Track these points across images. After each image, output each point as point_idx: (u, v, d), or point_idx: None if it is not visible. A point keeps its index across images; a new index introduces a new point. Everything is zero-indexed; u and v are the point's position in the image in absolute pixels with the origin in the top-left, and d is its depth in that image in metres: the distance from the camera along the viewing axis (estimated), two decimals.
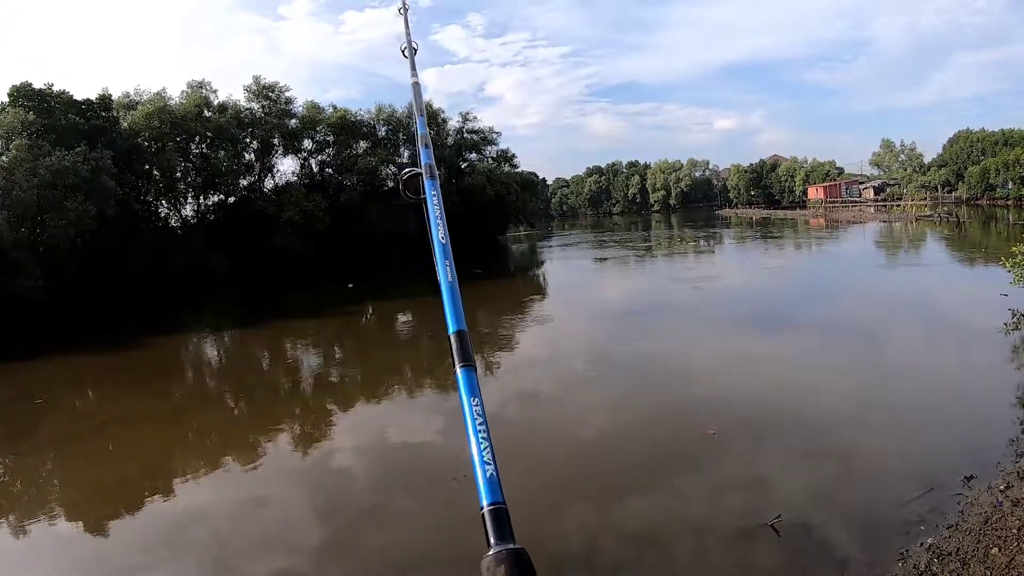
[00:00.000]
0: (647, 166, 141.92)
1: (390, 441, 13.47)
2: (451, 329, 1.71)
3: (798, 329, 19.61)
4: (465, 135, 65.71)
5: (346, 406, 16.30)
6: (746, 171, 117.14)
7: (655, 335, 20.60)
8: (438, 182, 2.31)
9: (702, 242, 55.11)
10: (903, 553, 7.46)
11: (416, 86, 3.21)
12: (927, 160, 75.12)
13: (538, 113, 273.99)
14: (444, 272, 1.90)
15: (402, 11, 4.29)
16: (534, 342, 21.57)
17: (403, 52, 3.59)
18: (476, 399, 1.49)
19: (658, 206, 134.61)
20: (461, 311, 1.78)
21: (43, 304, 28.08)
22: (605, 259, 51.06)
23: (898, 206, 67.90)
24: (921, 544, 7.56)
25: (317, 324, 28.98)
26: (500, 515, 1.28)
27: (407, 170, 2.45)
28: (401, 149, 60.55)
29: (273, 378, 20.18)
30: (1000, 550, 7.02)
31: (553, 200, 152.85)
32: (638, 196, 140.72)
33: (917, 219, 56.25)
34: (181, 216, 47.26)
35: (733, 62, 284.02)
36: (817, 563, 7.66)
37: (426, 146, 2.49)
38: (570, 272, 46.41)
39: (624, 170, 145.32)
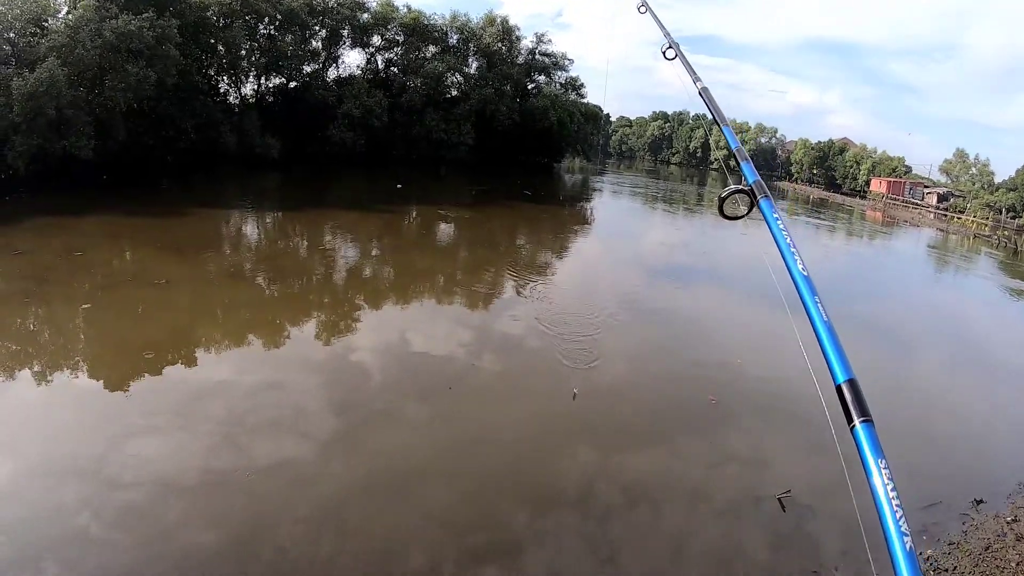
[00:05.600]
0: (714, 122, 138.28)
1: (412, 346, 13.59)
2: (839, 379, 1.45)
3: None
4: (537, 56, 63.96)
5: (375, 304, 16.45)
6: (813, 148, 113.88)
7: (685, 298, 20.41)
8: (772, 199, 2.10)
9: (755, 210, 54.15)
10: None
11: (706, 91, 3.07)
12: (997, 180, 72.58)
13: (612, 49, 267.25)
14: (816, 311, 1.60)
15: (643, 9, 4.09)
16: (568, 277, 21.40)
17: (664, 54, 3.47)
18: (883, 460, 1.32)
19: (717, 164, 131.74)
20: (845, 356, 1.50)
21: (93, 164, 28.33)
22: (655, 206, 50.45)
23: (958, 218, 66.04)
24: (920, 554, 7.53)
25: (359, 218, 29.04)
26: None
27: (729, 188, 2.26)
28: (470, 60, 59.36)
29: (308, 264, 20.31)
30: None
31: (613, 138, 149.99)
32: (699, 150, 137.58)
33: (975, 236, 54.69)
34: (240, 94, 46.77)
35: (821, 37, 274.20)
36: (815, 546, 7.68)
37: (746, 160, 2.35)
38: (618, 212, 45.79)
39: (690, 121, 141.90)
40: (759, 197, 2.13)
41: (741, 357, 14.24)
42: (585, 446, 9.74)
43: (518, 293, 17.93)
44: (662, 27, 3.65)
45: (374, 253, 23.30)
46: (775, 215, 1.99)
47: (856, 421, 1.38)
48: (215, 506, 7.55)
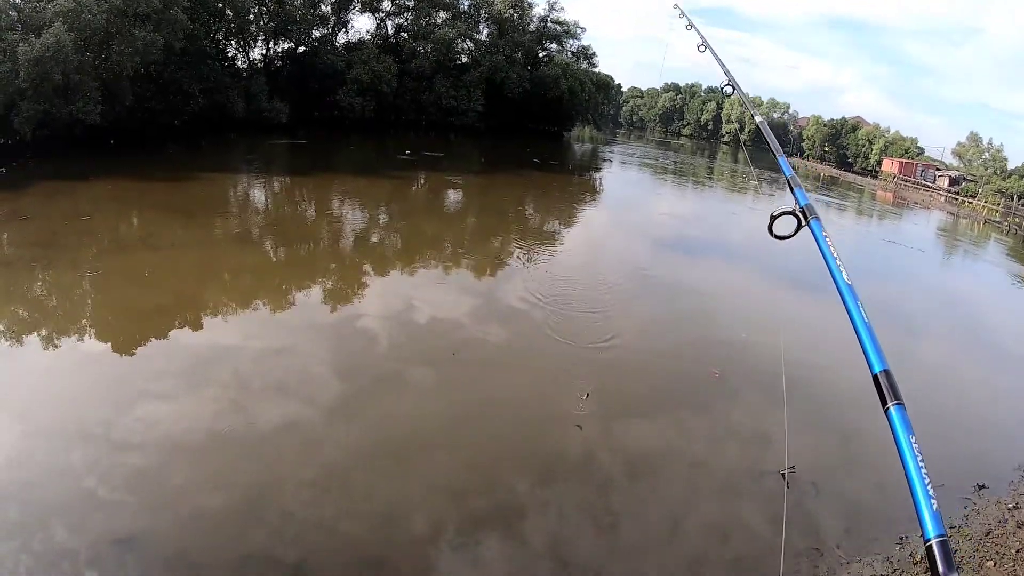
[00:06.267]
0: (726, 95, 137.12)
1: (418, 312, 13.60)
2: (876, 369, 1.70)
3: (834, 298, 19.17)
4: (549, 24, 63.20)
5: (381, 270, 16.44)
6: (825, 125, 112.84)
7: (690, 270, 20.33)
8: (821, 222, 2.30)
9: (764, 185, 53.86)
10: (902, 539, 7.51)
11: (764, 124, 3.33)
12: (1011, 166, 71.89)
13: (625, 18, 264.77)
14: (858, 313, 1.87)
15: (702, 48, 4.55)
16: (574, 246, 21.30)
17: (722, 91, 3.92)
18: (913, 436, 1.53)
19: (728, 138, 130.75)
20: (881, 350, 1.76)
21: (100, 129, 28.25)
22: (664, 177, 50.18)
23: (969, 203, 65.58)
24: (921, 535, 7.58)
25: (367, 184, 28.97)
26: (946, 547, 1.34)
27: (781, 209, 2.43)
28: (480, 26, 58.71)
29: (315, 230, 20.31)
30: (995, 565, 7.01)
31: (624, 108, 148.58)
32: (710, 123, 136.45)
33: (985, 221, 54.31)
34: (248, 59, 46.25)
35: (838, 14, 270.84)
36: (817, 523, 7.72)
37: (799, 186, 2.52)
38: (626, 183, 45.45)
39: (702, 94, 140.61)
40: (810, 218, 2.33)
41: (746, 332, 14.23)
42: (588, 418, 9.74)
43: (525, 263, 17.89)
44: (723, 66, 4.06)
45: (381, 219, 23.20)
46: (824, 234, 2.21)
47: (890, 404, 1.61)
48: (221, 469, 7.62)
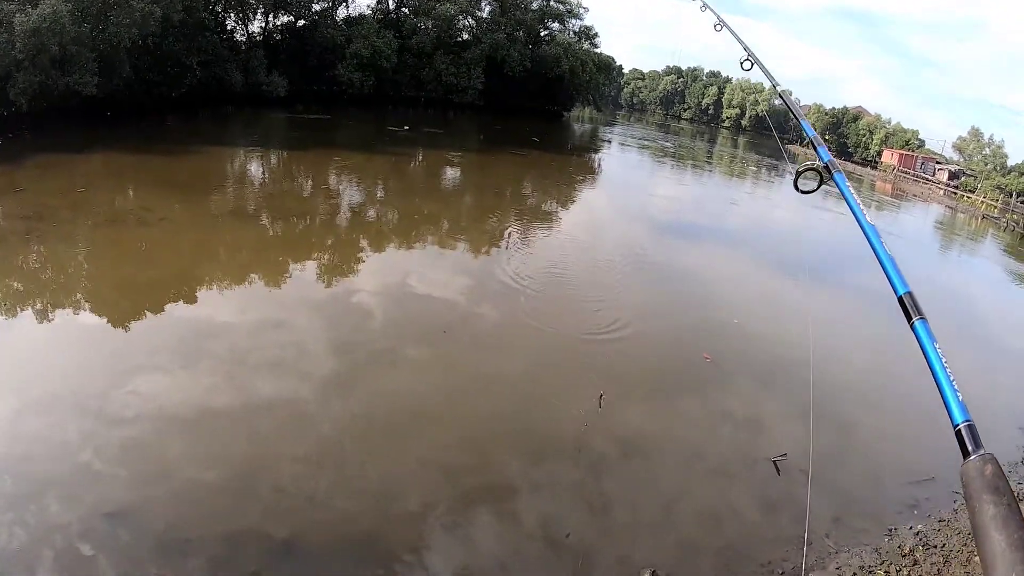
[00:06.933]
0: (728, 80, 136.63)
1: (413, 289, 13.61)
2: (900, 291, 1.86)
3: (833, 287, 19.18)
4: (551, 3, 62.85)
5: (378, 246, 16.43)
6: (827, 114, 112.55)
7: (687, 256, 20.28)
8: (844, 174, 2.50)
9: (764, 171, 53.73)
10: (891, 530, 7.56)
11: (786, 93, 3.57)
12: (1011, 163, 72.00)
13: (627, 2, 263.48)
14: (880, 247, 2.05)
15: (719, 27, 4.70)
16: (573, 228, 21.18)
17: (741, 66, 4.10)
18: (936, 343, 1.67)
19: (729, 123, 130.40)
20: (903, 275, 1.91)
21: (97, 101, 27.99)
22: (663, 160, 50.04)
23: (968, 197, 65.58)
24: (910, 528, 7.65)
25: (365, 160, 28.81)
26: (973, 429, 1.44)
27: (804, 164, 2.61)
28: (482, 3, 58.42)
29: (312, 205, 20.23)
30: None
31: (625, 90, 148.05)
32: (711, 108, 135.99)
33: (984, 217, 54.31)
34: (247, 32, 45.77)
35: (845, 4, 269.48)
36: (807, 512, 7.75)
37: (821, 145, 2.71)
38: (625, 164, 45.48)
39: (704, 78, 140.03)
40: (833, 172, 2.52)
41: (739, 317, 14.24)
42: (583, 395, 9.75)
43: (522, 243, 17.87)
44: (742, 42, 4.25)
45: (379, 196, 23.13)
46: (847, 185, 2.42)
47: (915, 319, 1.76)
48: (215, 444, 7.62)
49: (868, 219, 2.19)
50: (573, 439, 8.69)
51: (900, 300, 1.84)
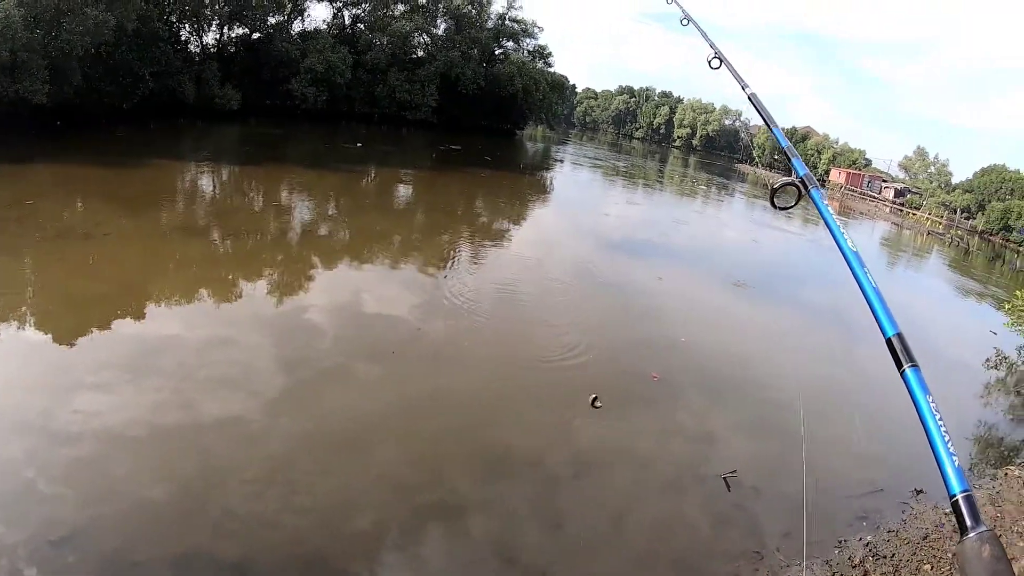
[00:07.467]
0: (679, 100, 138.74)
1: (364, 306, 13.51)
2: (889, 333, 1.71)
3: (780, 303, 19.53)
4: (507, 22, 63.44)
5: (328, 263, 16.28)
6: None
7: (636, 272, 20.41)
8: (820, 191, 2.34)
9: (713, 190, 54.53)
10: (841, 542, 7.67)
11: (755, 96, 3.34)
12: (955, 181, 74.71)
13: (584, 20, 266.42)
14: (866, 280, 1.89)
15: (685, 22, 4.55)
16: (524, 246, 21.18)
17: (709, 64, 3.82)
18: (930, 396, 1.53)
19: (680, 143, 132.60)
20: (892, 314, 1.76)
21: (47, 110, 27.45)
22: (614, 179, 50.51)
23: (914, 214, 67.60)
24: (860, 539, 7.78)
25: (317, 176, 28.61)
26: (972, 501, 1.33)
27: (781, 180, 2.46)
28: (438, 20, 58.71)
29: (263, 221, 19.94)
30: (932, 568, 7.18)
31: (578, 109, 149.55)
32: (663, 127, 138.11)
33: (928, 233, 55.99)
34: (201, 43, 45.26)
35: (796, 26, 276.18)
36: (758, 526, 7.83)
37: (796, 156, 2.54)
38: (577, 183, 45.71)
39: (656, 98, 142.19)
40: (810, 188, 2.36)
41: (687, 336, 14.37)
42: (534, 413, 9.76)
43: (472, 261, 17.86)
44: (708, 39, 4.06)
45: (330, 213, 22.88)
46: (824, 202, 2.25)
47: (906, 366, 1.60)
48: (163, 463, 7.43)
49: (850, 244, 2.05)
50: (528, 455, 8.69)
51: (888, 343, 1.69)
